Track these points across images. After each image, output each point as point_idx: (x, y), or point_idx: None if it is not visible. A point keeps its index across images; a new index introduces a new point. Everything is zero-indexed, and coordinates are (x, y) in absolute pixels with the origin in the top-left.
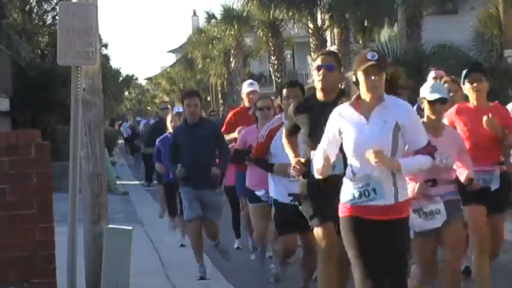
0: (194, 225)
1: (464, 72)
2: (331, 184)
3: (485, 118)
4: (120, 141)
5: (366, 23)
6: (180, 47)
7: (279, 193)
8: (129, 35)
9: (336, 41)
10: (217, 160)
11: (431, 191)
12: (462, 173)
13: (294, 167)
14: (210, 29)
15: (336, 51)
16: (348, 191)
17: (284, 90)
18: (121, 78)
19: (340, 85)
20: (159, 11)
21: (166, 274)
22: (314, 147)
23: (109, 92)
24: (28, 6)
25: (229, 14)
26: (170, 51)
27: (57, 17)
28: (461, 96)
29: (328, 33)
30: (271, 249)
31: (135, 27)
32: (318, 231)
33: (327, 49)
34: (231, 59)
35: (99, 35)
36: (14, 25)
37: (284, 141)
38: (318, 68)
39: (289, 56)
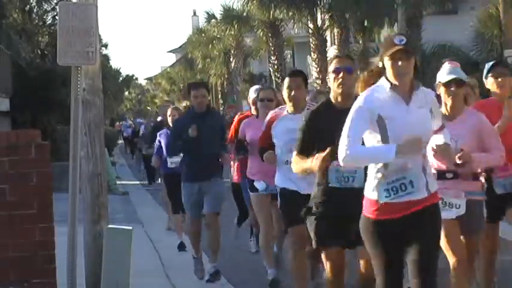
0: (193, 225)
1: (488, 65)
2: (348, 199)
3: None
4: (120, 141)
5: (366, 23)
6: (180, 47)
7: (283, 179)
8: (129, 35)
9: (336, 41)
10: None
11: (458, 186)
12: (480, 157)
13: (319, 166)
14: (210, 29)
15: (350, 54)
16: (380, 187)
17: (287, 80)
18: (121, 78)
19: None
20: (159, 11)
21: (166, 274)
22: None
23: (109, 92)
24: (28, 6)
25: (229, 14)
26: (170, 51)
27: (57, 17)
28: (476, 100)
29: (328, 33)
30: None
31: (135, 27)
32: (325, 255)
33: (326, 48)
34: (231, 59)
35: (99, 35)
36: (14, 25)
37: (294, 167)
38: (337, 71)
39: (289, 56)
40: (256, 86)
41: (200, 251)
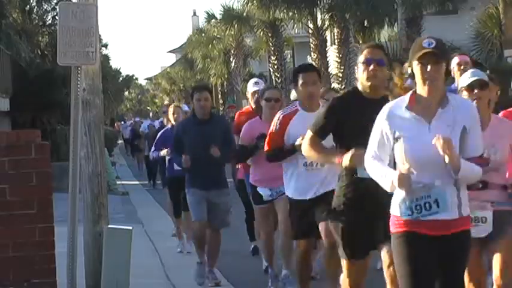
0: (199, 227)
1: None
2: (377, 191)
3: None
4: (120, 141)
5: (366, 23)
6: (180, 47)
7: (297, 189)
8: (129, 35)
9: (336, 41)
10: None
11: (481, 195)
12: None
13: (353, 155)
14: (210, 29)
15: (381, 44)
16: (404, 204)
17: (301, 76)
18: (121, 78)
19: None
20: (159, 11)
21: (166, 274)
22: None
23: (109, 92)
24: (28, 6)
25: (229, 14)
26: (170, 51)
27: (57, 17)
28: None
29: (328, 33)
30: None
31: (135, 27)
32: (346, 264)
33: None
34: (231, 59)
35: (99, 35)
36: (14, 25)
37: (310, 149)
38: (367, 62)
39: (289, 56)
40: (255, 79)
41: (205, 256)
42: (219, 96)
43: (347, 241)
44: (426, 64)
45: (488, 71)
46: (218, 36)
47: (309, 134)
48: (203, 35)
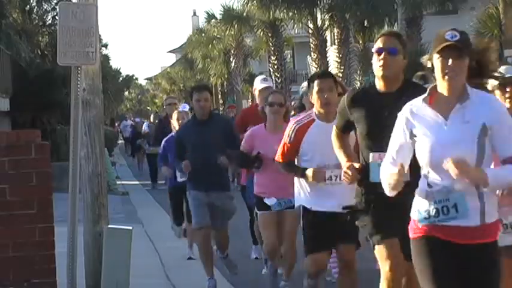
0: (202, 233)
1: None
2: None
3: None
4: (120, 141)
5: (366, 23)
6: (180, 47)
7: (312, 198)
8: (129, 35)
9: (336, 41)
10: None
11: None
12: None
13: (345, 172)
14: (210, 29)
15: (398, 32)
16: (422, 208)
17: (316, 82)
18: (121, 78)
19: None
20: (159, 11)
21: (166, 274)
22: (372, 148)
23: (109, 92)
24: (28, 6)
25: (229, 14)
26: (170, 51)
27: (57, 17)
28: None
29: (328, 33)
30: (281, 266)
31: (135, 27)
32: (380, 250)
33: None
34: (231, 59)
35: (99, 35)
36: (14, 25)
37: (334, 141)
38: (378, 52)
39: (289, 56)
40: (263, 76)
41: (212, 267)
42: (219, 96)
43: (374, 218)
44: (447, 58)
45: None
46: (218, 36)
47: (334, 128)
48: (203, 35)
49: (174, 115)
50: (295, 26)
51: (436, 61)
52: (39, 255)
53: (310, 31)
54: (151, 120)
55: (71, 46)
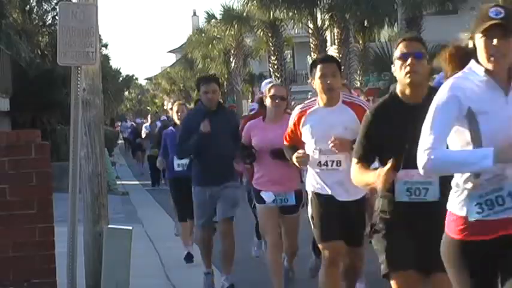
0: (204, 233)
1: None
2: (422, 214)
3: None
4: (120, 141)
5: (366, 23)
6: (180, 47)
7: (315, 183)
8: (129, 35)
9: (336, 41)
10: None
11: None
12: None
13: (379, 175)
14: (210, 29)
15: (419, 36)
16: (469, 201)
17: (319, 67)
18: (121, 78)
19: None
20: (159, 11)
21: (166, 274)
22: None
23: (109, 92)
24: (28, 6)
25: (229, 14)
26: (170, 51)
27: (57, 17)
28: None
29: (328, 33)
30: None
31: (135, 27)
32: (392, 282)
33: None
34: (231, 59)
35: (99, 35)
36: (14, 25)
37: (356, 177)
38: (404, 57)
39: (289, 56)
40: (269, 79)
41: (210, 260)
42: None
43: (388, 247)
44: (492, 37)
45: None
46: (218, 36)
47: (354, 162)
48: (203, 35)
49: (174, 107)
50: (295, 26)
51: (479, 41)
52: (39, 255)
53: (310, 31)
54: (149, 120)
55: (71, 46)
